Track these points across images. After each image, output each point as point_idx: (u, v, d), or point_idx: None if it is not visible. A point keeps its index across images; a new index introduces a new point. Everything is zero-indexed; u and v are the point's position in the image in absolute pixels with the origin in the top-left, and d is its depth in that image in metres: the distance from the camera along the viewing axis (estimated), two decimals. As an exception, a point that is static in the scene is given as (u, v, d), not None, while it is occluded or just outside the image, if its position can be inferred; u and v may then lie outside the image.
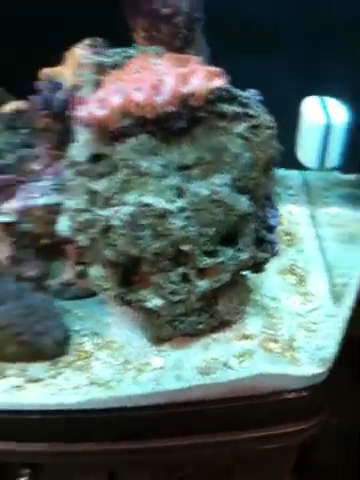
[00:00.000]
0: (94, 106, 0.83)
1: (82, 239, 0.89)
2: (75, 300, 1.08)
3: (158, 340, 0.98)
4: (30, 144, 1.28)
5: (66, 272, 1.06)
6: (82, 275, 1.05)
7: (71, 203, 0.88)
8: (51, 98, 1.09)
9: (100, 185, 0.87)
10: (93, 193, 0.87)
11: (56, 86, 1.11)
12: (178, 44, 1.22)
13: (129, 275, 0.94)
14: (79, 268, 1.04)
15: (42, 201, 0.97)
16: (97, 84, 0.91)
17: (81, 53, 1.20)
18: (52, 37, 1.32)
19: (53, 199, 0.97)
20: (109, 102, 0.84)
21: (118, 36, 1.24)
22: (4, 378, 0.94)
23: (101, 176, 0.87)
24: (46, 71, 1.27)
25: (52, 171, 1.12)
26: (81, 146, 0.89)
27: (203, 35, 1.27)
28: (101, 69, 0.93)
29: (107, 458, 0.97)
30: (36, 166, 1.16)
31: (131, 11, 1.20)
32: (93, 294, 1.07)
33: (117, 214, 0.84)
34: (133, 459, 0.96)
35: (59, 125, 1.11)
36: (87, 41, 1.21)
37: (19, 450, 0.95)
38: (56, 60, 1.28)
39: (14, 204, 0.98)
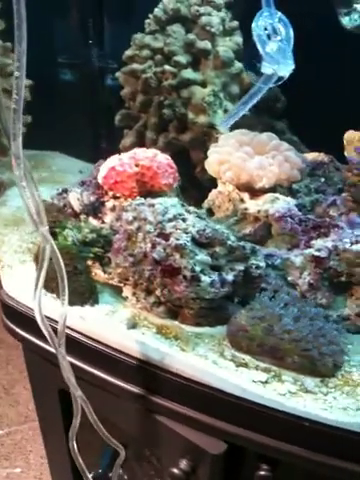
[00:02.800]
0: None
1: None
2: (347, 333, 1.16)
3: None
4: (323, 191, 1.42)
5: (347, 308, 1.15)
6: (362, 314, 1.14)
7: None
8: (369, 161, 1.20)
9: None
10: None
11: (374, 152, 1.22)
12: None
13: None
14: (362, 308, 1.13)
15: (355, 247, 1.08)
16: None
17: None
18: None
19: (366, 247, 1.08)
20: None
21: None
22: (281, 382, 1.03)
23: None
24: (354, 134, 1.40)
25: (346, 219, 1.23)
26: None
27: None
28: None
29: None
30: (332, 212, 1.29)
31: None
32: (362, 332, 1.15)
33: None
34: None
35: (367, 185, 1.23)
36: None
37: (278, 448, 1.03)
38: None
39: (328, 243, 1.10)
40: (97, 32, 1.98)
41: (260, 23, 1.01)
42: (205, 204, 1.47)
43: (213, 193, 1.45)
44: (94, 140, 2.05)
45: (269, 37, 1.02)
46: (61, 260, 0.89)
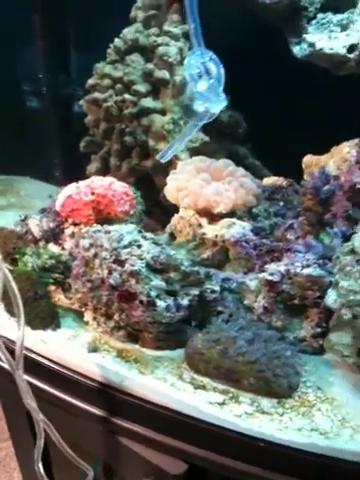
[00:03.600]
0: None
1: (346, 313, 1.00)
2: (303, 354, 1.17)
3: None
4: (283, 214, 1.44)
5: (303, 329, 1.17)
6: (316, 336, 1.15)
7: (345, 283, 0.99)
8: (320, 187, 1.23)
9: (376, 276, 0.97)
10: (367, 280, 0.97)
11: (326, 178, 1.25)
12: None
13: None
14: (317, 330, 1.15)
15: (306, 271, 1.10)
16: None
17: (348, 151, 1.34)
18: (321, 127, 1.48)
19: (316, 272, 1.10)
20: None
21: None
22: (238, 404, 1.04)
23: (378, 269, 0.97)
24: (312, 159, 1.43)
25: (302, 243, 1.25)
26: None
27: None
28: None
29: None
30: (290, 235, 1.31)
31: None
32: (319, 353, 1.16)
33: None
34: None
35: (321, 209, 1.25)
36: (356, 141, 1.35)
37: (236, 468, 1.04)
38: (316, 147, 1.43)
39: (280, 267, 1.12)
40: (64, 60, 2.00)
41: (192, 62, 1.04)
42: (167, 229, 1.49)
43: (175, 218, 1.47)
44: (64, 165, 2.06)
45: (201, 76, 1.05)
46: (15, 287, 0.90)
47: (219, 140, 1.67)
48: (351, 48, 1.32)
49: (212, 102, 1.05)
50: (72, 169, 1.98)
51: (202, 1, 1.43)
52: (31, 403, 1.01)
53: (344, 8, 1.37)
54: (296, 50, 1.39)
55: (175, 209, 1.52)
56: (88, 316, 1.22)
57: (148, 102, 1.59)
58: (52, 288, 1.30)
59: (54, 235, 1.31)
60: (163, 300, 1.10)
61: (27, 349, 1.14)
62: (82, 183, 1.30)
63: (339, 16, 1.36)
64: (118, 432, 1.12)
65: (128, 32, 1.60)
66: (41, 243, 1.30)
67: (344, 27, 1.34)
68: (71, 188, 1.28)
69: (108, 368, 1.10)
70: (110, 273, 1.12)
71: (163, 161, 1.15)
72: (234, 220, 1.31)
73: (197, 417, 1.03)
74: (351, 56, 1.32)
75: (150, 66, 1.58)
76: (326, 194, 1.22)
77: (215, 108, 1.06)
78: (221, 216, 1.34)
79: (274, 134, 1.55)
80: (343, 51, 1.32)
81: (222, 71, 1.06)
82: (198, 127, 1.10)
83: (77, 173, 1.75)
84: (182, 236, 1.42)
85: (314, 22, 1.37)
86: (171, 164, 1.54)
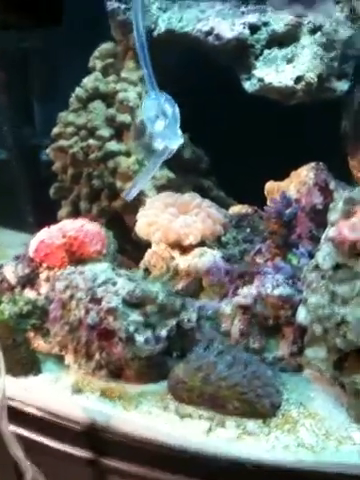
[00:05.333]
0: (346, 230, 0.96)
1: (316, 328, 1.01)
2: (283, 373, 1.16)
3: (362, 420, 1.01)
4: (251, 240, 1.46)
5: (280, 349, 1.17)
6: (294, 354, 1.15)
7: (313, 299, 1.01)
8: (283, 211, 1.25)
9: (341, 289, 0.98)
10: (333, 294, 0.99)
11: (288, 202, 1.27)
12: None
13: (342, 360, 1.03)
14: (293, 348, 1.15)
15: (277, 292, 1.12)
16: (345, 212, 1.01)
17: (306, 174, 1.38)
18: (278, 155, 1.51)
19: (286, 291, 1.12)
20: None
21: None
22: (224, 428, 1.03)
23: (342, 281, 0.98)
24: (274, 185, 1.46)
25: (271, 265, 1.27)
26: (326, 255, 1.01)
27: None
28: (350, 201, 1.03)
29: None
30: (259, 259, 1.32)
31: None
32: (298, 371, 1.16)
33: (353, 313, 0.96)
34: None
35: (285, 231, 1.27)
36: (312, 164, 1.40)
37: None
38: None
39: (252, 290, 1.14)
40: (28, 113, 2.03)
41: (148, 105, 1.08)
42: (142, 264, 1.49)
43: (148, 253, 1.48)
44: (34, 212, 2.06)
45: (157, 117, 1.09)
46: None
47: (184, 175, 1.70)
48: (298, 79, 1.37)
49: (170, 139, 1.08)
50: (43, 216, 1.98)
51: (160, 47, 1.48)
52: (17, 453, 0.98)
53: (288, 43, 1.42)
54: (247, 85, 1.43)
55: (147, 245, 1.53)
56: (69, 359, 1.21)
57: (113, 145, 1.62)
58: (31, 334, 1.28)
59: (29, 280, 1.31)
60: (142, 334, 1.09)
61: (9, 398, 1.11)
62: (53, 227, 1.31)
63: (284, 50, 1.41)
64: (108, 472, 1.09)
65: (88, 81, 1.65)
66: (17, 290, 1.29)
67: (289, 60, 1.39)
68: (42, 233, 1.29)
69: (92, 409, 1.08)
70: (87, 313, 1.12)
71: (129, 199, 1.16)
72: (205, 249, 1.33)
73: (185, 446, 1.01)
74: (298, 87, 1.37)
75: (112, 111, 1.63)
76: (289, 217, 1.25)
77: (173, 144, 1.10)
78: (192, 247, 1.35)
79: (235, 165, 1.58)
80: (291, 83, 1.36)
81: (177, 110, 1.10)
82: (159, 163, 1.12)
83: (48, 219, 1.75)
84: (156, 270, 1.43)
85: (261, 58, 1.42)
86: (140, 202, 1.56)
